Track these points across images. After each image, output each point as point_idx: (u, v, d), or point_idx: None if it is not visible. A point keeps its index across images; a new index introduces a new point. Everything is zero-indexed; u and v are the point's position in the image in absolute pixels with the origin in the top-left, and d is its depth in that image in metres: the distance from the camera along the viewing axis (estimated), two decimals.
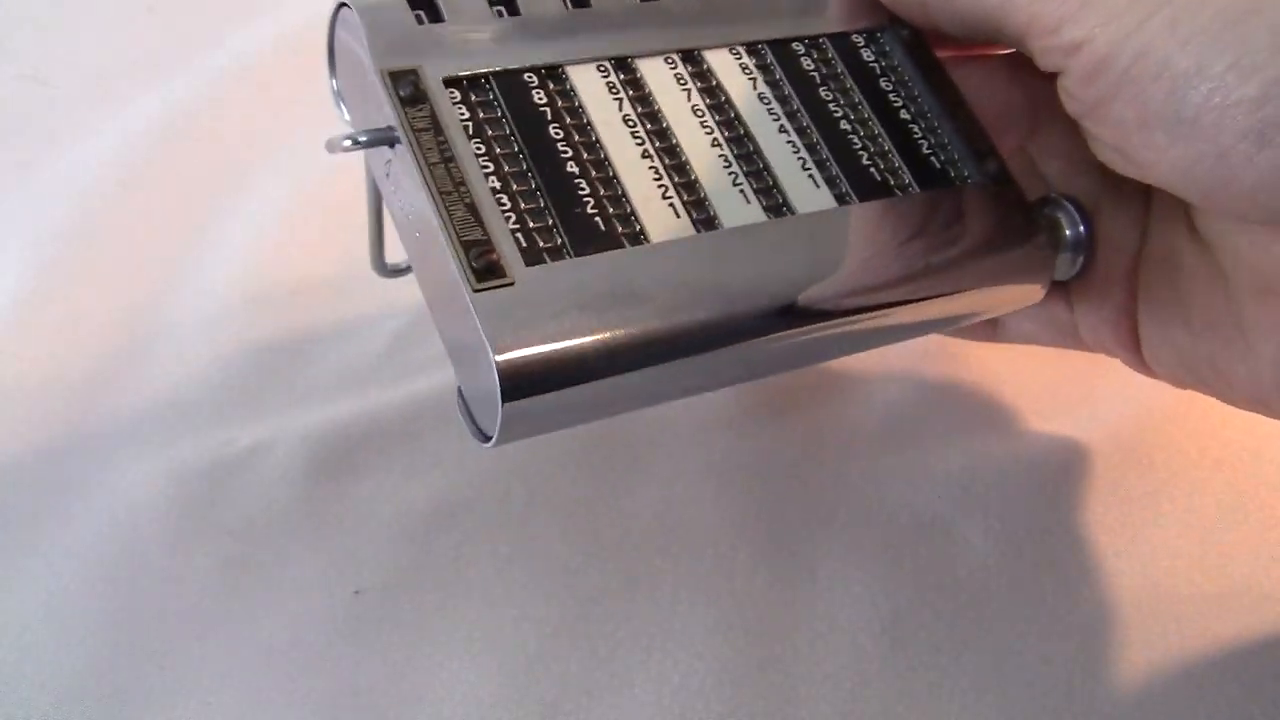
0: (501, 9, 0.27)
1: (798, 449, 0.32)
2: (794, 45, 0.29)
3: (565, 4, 0.27)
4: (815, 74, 0.29)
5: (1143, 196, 0.28)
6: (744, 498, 0.31)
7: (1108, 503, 0.30)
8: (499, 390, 0.22)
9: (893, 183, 0.27)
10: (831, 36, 0.29)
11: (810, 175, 0.27)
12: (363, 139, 0.24)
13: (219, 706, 0.26)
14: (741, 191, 0.26)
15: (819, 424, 0.33)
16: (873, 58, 0.29)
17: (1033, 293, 0.28)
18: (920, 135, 0.28)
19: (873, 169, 0.28)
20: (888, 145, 0.28)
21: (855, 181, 0.27)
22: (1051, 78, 0.25)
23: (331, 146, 0.25)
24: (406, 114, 0.24)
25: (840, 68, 0.29)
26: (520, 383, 0.22)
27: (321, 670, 0.27)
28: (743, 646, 0.27)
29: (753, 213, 0.26)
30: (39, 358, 0.35)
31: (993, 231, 0.28)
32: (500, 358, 0.22)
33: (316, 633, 0.28)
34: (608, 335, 0.23)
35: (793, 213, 0.26)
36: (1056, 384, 0.32)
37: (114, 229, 0.39)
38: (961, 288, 0.27)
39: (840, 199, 0.27)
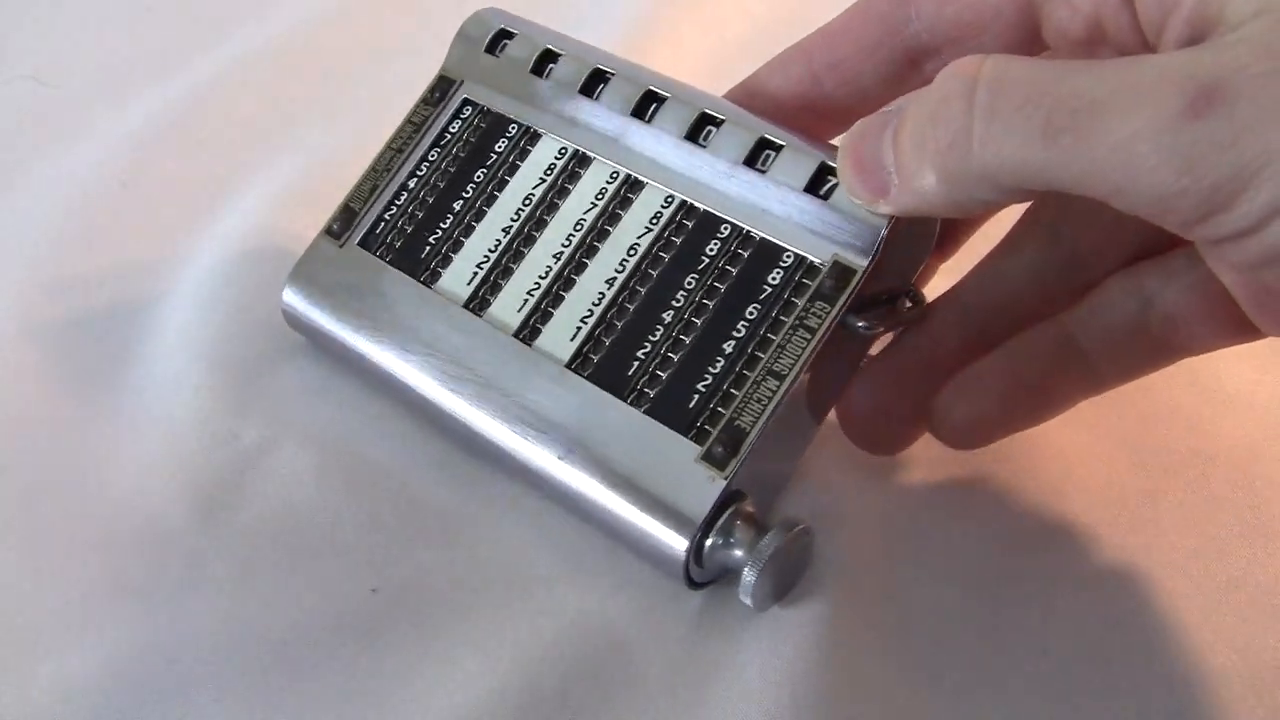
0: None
1: None
2: (722, 226, 0.28)
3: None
4: (705, 259, 0.28)
5: None
6: None
7: (1105, 500, 0.31)
8: (284, 287, 0.33)
9: (630, 387, 0.27)
10: (765, 241, 0.27)
11: (579, 328, 0.28)
12: None
13: (231, 704, 0.26)
14: (525, 298, 0.29)
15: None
16: (776, 280, 0.27)
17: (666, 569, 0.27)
18: (712, 376, 0.27)
19: (634, 363, 0.27)
20: (674, 357, 0.27)
21: (604, 361, 0.28)
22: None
23: None
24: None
25: (736, 269, 0.27)
26: (297, 295, 0.33)
27: (337, 668, 0.27)
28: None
29: (510, 318, 0.29)
30: (40, 356, 0.35)
31: (649, 499, 0.26)
32: (286, 291, 0.33)
33: (332, 631, 0.28)
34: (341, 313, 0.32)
35: (529, 345, 0.28)
36: None
37: (113, 228, 0.39)
38: (587, 506, 0.27)
39: (573, 364, 0.28)
